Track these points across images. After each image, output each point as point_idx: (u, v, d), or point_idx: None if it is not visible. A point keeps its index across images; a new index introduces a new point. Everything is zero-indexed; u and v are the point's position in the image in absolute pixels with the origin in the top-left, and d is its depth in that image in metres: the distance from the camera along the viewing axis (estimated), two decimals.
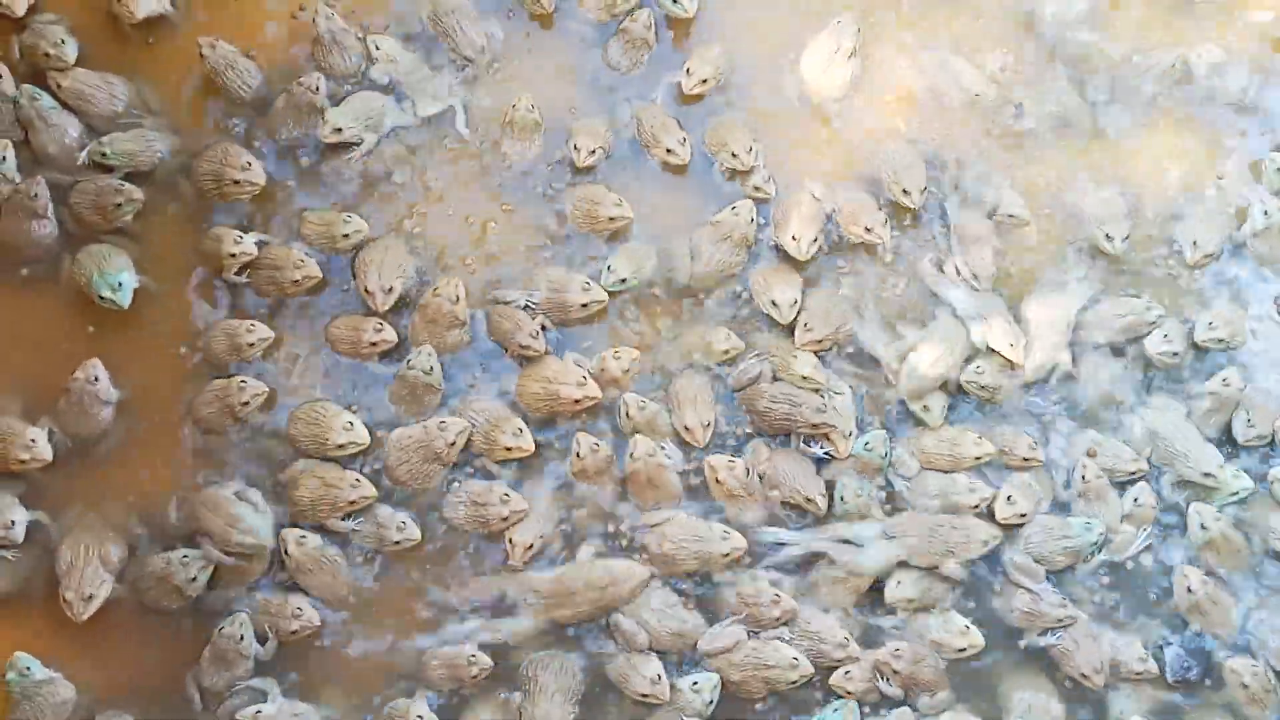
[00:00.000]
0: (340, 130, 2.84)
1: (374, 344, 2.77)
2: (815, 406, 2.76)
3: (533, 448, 2.73)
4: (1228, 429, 2.88)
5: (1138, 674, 2.72)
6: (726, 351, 2.83)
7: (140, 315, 2.79)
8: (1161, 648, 2.76)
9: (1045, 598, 2.72)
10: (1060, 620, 2.71)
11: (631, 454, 2.73)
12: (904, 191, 2.89)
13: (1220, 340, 2.89)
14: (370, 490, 2.68)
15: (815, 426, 2.77)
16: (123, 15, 2.85)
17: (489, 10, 2.98)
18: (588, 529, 2.75)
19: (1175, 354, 2.88)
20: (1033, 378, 2.84)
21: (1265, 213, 2.96)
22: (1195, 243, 2.94)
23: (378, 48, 2.90)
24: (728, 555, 2.70)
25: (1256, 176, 3.00)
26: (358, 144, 2.87)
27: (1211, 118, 3.04)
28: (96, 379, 2.72)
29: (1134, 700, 2.73)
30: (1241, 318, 2.92)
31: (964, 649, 2.69)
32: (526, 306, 2.82)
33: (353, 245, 2.83)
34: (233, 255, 2.77)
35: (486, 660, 2.64)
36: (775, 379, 2.82)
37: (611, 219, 2.85)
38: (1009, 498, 2.77)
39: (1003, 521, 2.76)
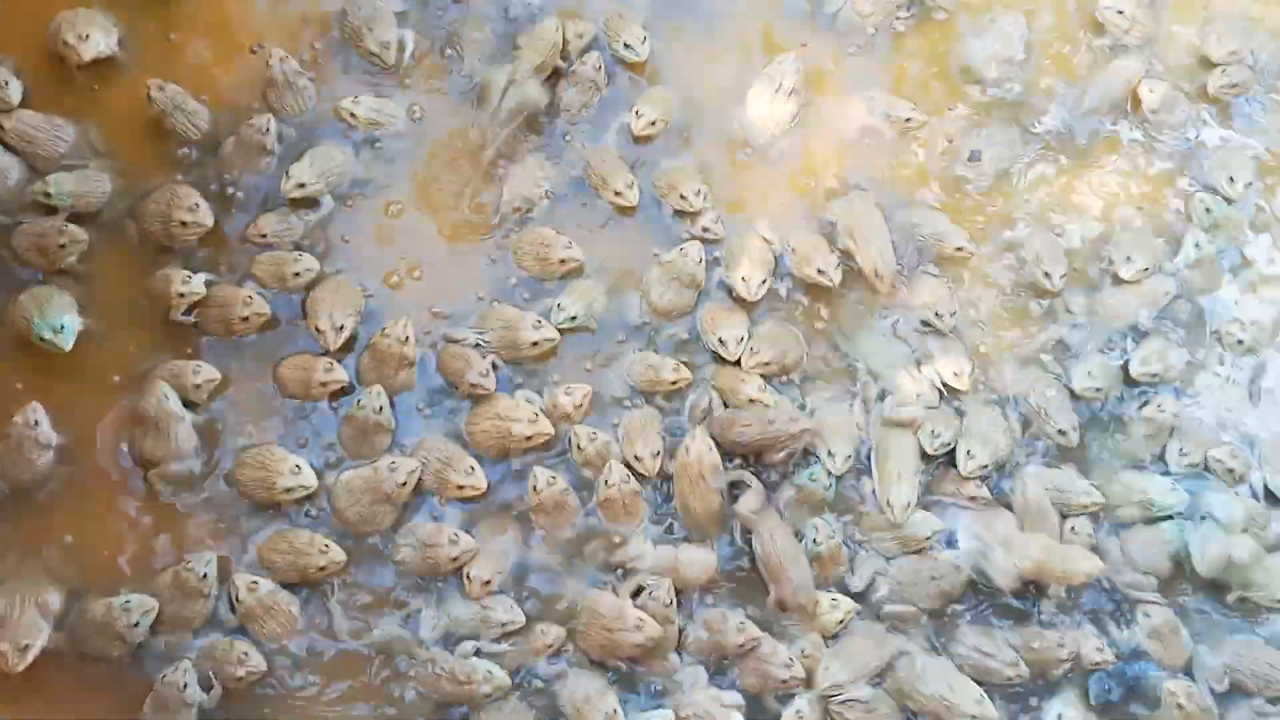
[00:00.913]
0: (304, 185, 2.83)
1: (324, 384, 2.76)
2: (789, 416, 2.78)
3: (485, 486, 2.72)
4: (1163, 455, 2.97)
5: (1096, 664, 2.76)
6: (675, 383, 2.85)
7: (83, 358, 2.74)
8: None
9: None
10: (1062, 660, 2.75)
11: (606, 480, 2.72)
12: (818, 271, 2.92)
13: (1154, 375, 2.97)
14: (340, 556, 2.65)
15: (795, 436, 2.78)
16: (69, 57, 2.83)
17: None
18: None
19: (1098, 389, 2.95)
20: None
21: (1197, 245, 3.06)
22: (1129, 258, 3.02)
23: (353, 115, 2.91)
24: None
25: (1188, 213, 3.11)
26: (318, 202, 2.87)
27: (1145, 155, 3.15)
28: (36, 423, 2.65)
29: (1073, 709, 2.75)
30: (1175, 352, 3.00)
31: (974, 717, 2.67)
32: (477, 345, 2.82)
33: (304, 284, 2.82)
34: (181, 295, 2.75)
35: (503, 677, 2.62)
36: (725, 407, 2.85)
37: (563, 261, 2.87)
38: (969, 451, 2.81)
39: (966, 475, 2.80)
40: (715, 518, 2.77)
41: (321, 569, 2.65)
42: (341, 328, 2.75)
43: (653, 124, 2.97)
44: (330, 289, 2.80)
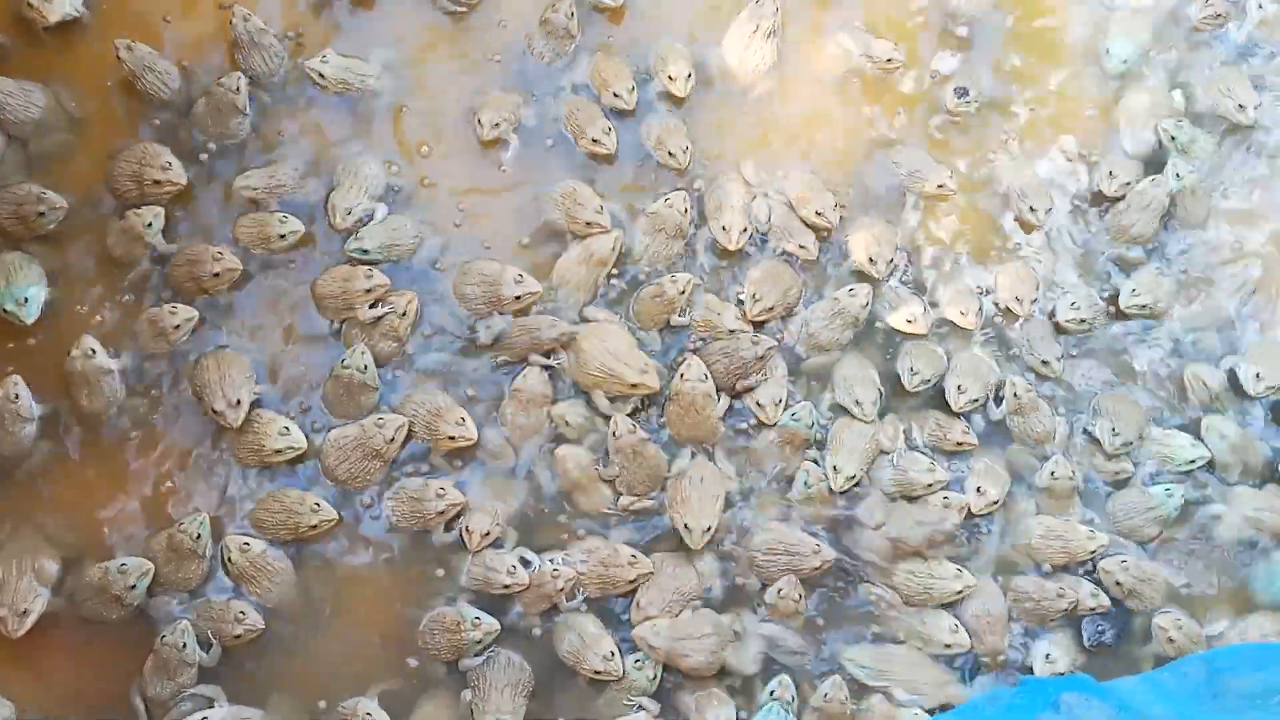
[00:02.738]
0: (367, 251, 2.80)
1: (368, 290, 2.74)
2: (750, 341, 2.80)
3: (476, 436, 2.72)
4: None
5: (1091, 609, 2.78)
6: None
7: (61, 325, 2.74)
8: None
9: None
10: (1061, 610, 2.76)
11: (613, 433, 2.73)
12: (816, 214, 2.93)
13: (1144, 306, 2.97)
14: (331, 514, 2.66)
15: (760, 360, 2.79)
16: (35, 19, 2.80)
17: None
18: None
19: (1083, 320, 2.95)
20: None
21: (1178, 175, 3.04)
22: (1111, 173, 3.01)
23: (322, 75, 2.87)
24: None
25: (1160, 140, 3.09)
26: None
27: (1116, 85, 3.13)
28: (17, 396, 2.65)
29: (1059, 649, 2.77)
30: (1164, 283, 2.99)
31: (949, 645, 2.71)
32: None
33: (289, 246, 2.80)
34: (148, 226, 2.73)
35: (492, 622, 2.64)
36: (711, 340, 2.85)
37: (589, 224, 2.85)
38: (959, 386, 2.82)
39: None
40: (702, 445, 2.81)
41: (313, 527, 2.67)
42: (239, 403, 2.68)
43: (689, 77, 2.94)
44: (214, 368, 2.71)
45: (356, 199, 2.81)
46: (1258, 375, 2.92)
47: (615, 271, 2.87)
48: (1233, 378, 2.95)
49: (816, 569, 2.72)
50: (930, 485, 2.80)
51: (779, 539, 2.74)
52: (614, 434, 2.72)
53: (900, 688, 2.69)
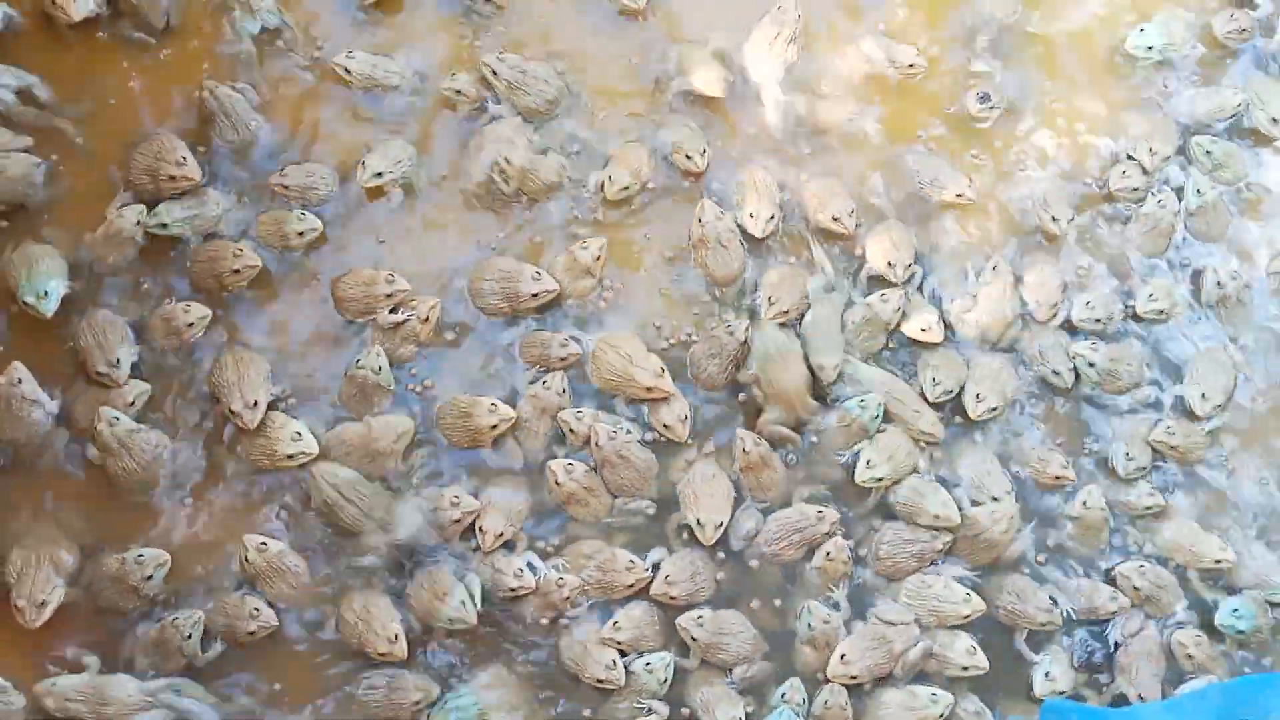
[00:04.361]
0: (380, 175, 2.82)
1: (389, 296, 2.76)
2: (725, 331, 2.79)
3: (514, 414, 2.72)
4: None
5: (1112, 612, 2.76)
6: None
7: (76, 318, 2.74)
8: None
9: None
10: (1044, 624, 2.74)
11: (596, 443, 2.73)
12: (833, 219, 2.92)
13: (1160, 311, 2.95)
14: (271, 622, 2.62)
15: (744, 344, 2.79)
16: (59, 17, 2.82)
17: None
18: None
19: (1098, 320, 2.92)
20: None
21: (1198, 191, 3.02)
22: (1125, 172, 3.00)
23: (348, 71, 2.88)
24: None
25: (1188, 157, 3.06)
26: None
27: (1145, 95, 3.12)
28: (20, 380, 2.64)
29: (1059, 667, 2.73)
30: (1180, 290, 2.98)
31: (967, 668, 2.70)
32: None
33: (307, 243, 2.81)
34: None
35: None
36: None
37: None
38: (978, 395, 2.81)
39: (975, 418, 2.80)
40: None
41: (251, 633, 2.61)
42: (256, 404, 2.67)
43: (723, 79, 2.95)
44: (232, 367, 2.71)
45: (389, 166, 2.81)
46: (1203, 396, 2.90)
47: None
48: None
49: (827, 534, 2.73)
50: (936, 516, 2.75)
51: (781, 523, 2.74)
52: (596, 444, 2.72)
53: None
